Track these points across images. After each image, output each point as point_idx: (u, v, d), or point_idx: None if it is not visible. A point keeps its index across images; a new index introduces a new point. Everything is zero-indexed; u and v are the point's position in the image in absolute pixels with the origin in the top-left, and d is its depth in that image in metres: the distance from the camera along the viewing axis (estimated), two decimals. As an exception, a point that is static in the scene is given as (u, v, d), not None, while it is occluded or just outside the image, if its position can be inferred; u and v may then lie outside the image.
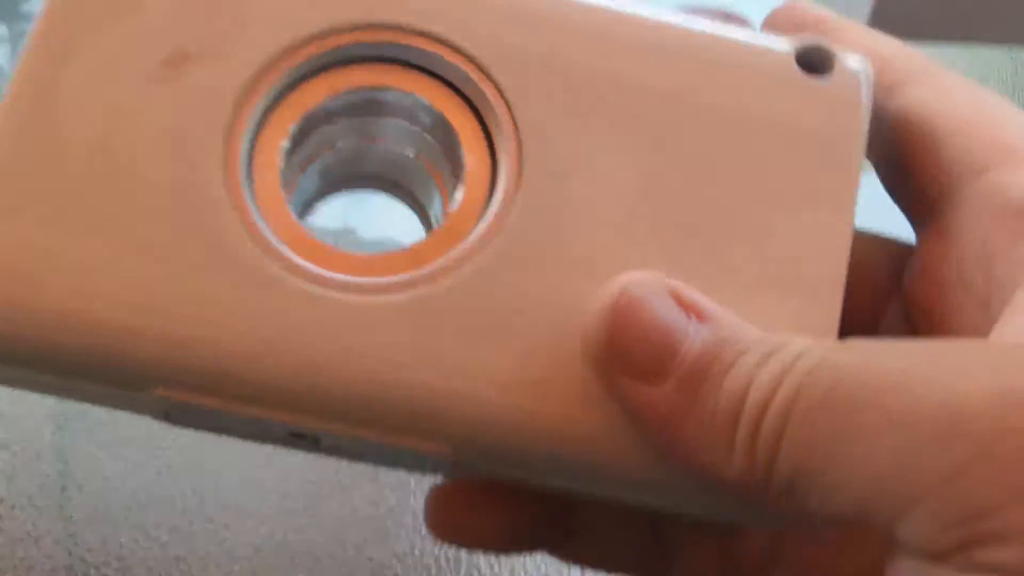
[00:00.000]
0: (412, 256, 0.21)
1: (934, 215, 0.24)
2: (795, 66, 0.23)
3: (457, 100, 0.22)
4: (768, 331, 0.20)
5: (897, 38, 0.78)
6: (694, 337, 0.19)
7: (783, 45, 0.23)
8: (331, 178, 0.25)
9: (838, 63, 0.23)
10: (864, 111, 0.23)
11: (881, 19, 0.77)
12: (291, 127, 0.22)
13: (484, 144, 0.22)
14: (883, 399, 0.17)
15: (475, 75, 0.22)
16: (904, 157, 0.24)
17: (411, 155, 0.24)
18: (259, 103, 0.21)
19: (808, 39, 0.23)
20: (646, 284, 0.20)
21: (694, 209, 0.22)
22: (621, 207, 0.21)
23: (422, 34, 0.22)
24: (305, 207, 0.25)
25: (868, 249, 0.26)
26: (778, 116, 0.22)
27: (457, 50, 0.22)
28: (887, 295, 0.26)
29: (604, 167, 0.22)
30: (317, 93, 0.22)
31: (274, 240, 0.21)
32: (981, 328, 0.21)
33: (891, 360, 0.18)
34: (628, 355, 0.19)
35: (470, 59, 0.22)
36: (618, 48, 0.22)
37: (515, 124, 0.21)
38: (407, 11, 0.22)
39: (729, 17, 0.24)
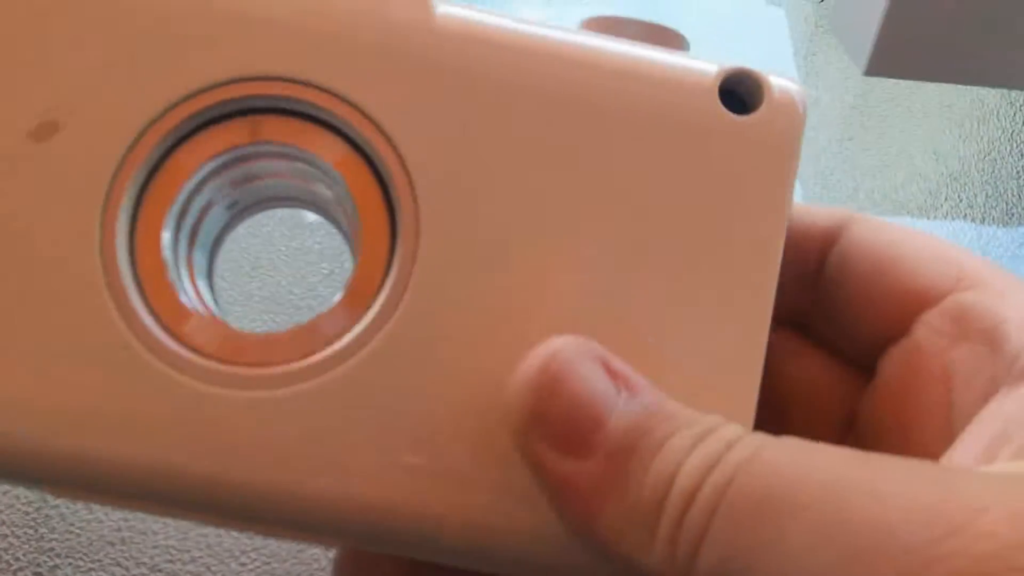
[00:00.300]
0: (308, 334, 0.19)
1: (892, 343, 0.23)
2: (718, 103, 0.20)
3: (354, 156, 0.20)
4: (688, 407, 0.19)
5: (898, 78, 0.78)
6: (623, 410, 0.18)
7: (708, 76, 0.21)
8: (239, 209, 0.23)
9: (767, 95, 0.20)
10: (794, 148, 0.20)
11: (880, 61, 0.77)
12: (177, 192, 0.20)
13: (383, 205, 0.20)
14: (814, 509, 0.16)
15: (366, 129, 0.20)
16: (853, 292, 0.23)
17: (314, 194, 0.23)
18: (137, 173, 0.19)
19: (733, 69, 0.21)
20: (575, 350, 0.19)
21: (609, 272, 0.20)
22: (531, 271, 0.20)
23: (311, 86, 0.20)
24: (216, 243, 0.23)
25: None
26: (696, 164, 0.20)
27: (346, 101, 0.20)
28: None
29: (510, 224, 0.20)
30: (203, 152, 0.20)
31: (154, 327, 0.19)
32: (939, 454, 0.20)
33: (827, 467, 0.17)
34: (552, 424, 0.18)
35: (358, 109, 0.20)
36: (520, 90, 0.20)
37: (410, 180, 0.20)
38: (298, 62, 0.20)
39: (661, 32, 0.22)
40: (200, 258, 0.22)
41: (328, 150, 0.20)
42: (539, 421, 0.18)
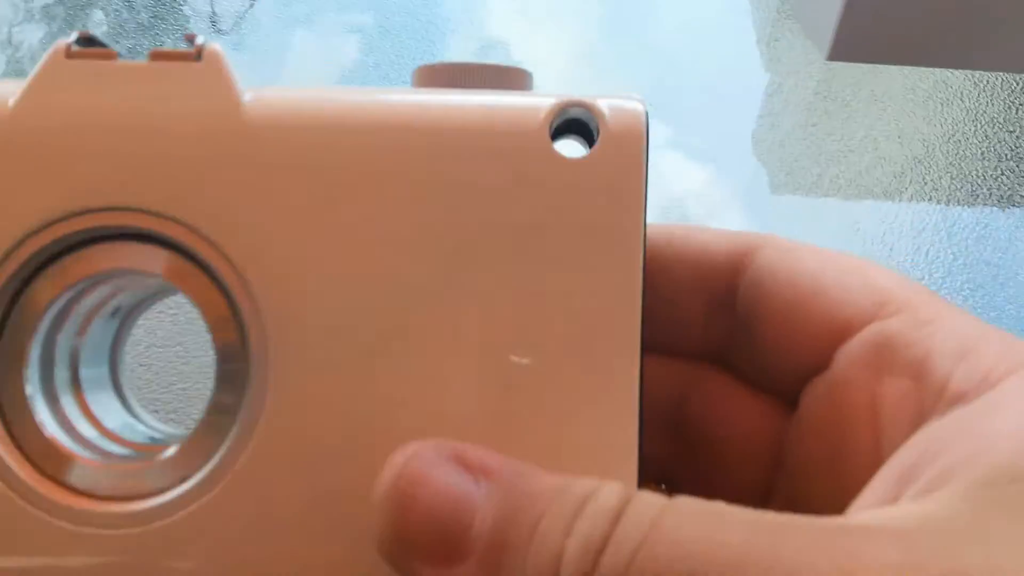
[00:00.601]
0: (171, 464, 0.19)
1: (815, 375, 0.22)
2: (549, 147, 0.19)
3: (189, 267, 0.20)
4: (564, 469, 0.18)
5: (862, 62, 0.78)
6: (485, 505, 0.17)
7: (537, 118, 0.19)
8: (126, 312, 0.22)
9: (602, 126, 0.19)
10: (637, 178, 0.19)
11: (845, 44, 0.77)
12: (33, 332, 0.19)
13: (232, 323, 0.19)
14: None
15: (199, 245, 0.19)
16: (770, 324, 0.22)
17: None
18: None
19: (561, 105, 0.19)
20: (425, 455, 0.18)
21: (462, 351, 0.19)
22: (385, 366, 0.19)
23: (135, 211, 0.19)
24: (116, 347, 0.22)
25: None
26: (537, 215, 0.19)
27: (170, 218, 0.19)
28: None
29: (356, 317, 0.19)
30: (47, 291, 0.20)
31: (20, 471, 0.19)
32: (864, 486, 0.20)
33: (729, 534, 0.16)
34: (417, 538, 0.17)
35: (183, 224, 0.19)
36: (341, 171, 0.19)
37: (248, 290, 0.19)
38: (142, 193, 0.19)
39: (501, 74, 0.21)
40: (94, 373, 0.21)
41: (159, 264, 0.19)
42: (403, 537, 0.17)
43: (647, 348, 0.19)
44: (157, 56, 0.19)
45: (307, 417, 0.19)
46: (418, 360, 0.19)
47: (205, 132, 0.19)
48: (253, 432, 0.19)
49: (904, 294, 0.20)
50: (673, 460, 0.24)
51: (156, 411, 0.52)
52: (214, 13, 0.85)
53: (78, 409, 0.21)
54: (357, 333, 0.19)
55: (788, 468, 0.23)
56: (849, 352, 0.20)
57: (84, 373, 0.21)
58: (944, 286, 0.62)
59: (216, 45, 0.19)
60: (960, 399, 0.18)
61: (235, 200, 0.19)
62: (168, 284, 0.20)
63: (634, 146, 0.19)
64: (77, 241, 0.19)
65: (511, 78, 0.21)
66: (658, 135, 0.71)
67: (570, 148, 0.20)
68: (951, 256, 0.64)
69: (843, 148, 0.71)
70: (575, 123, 0.19)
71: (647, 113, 0.19)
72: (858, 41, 0.76)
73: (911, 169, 0.70)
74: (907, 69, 0.79)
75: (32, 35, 0.80)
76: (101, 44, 0.19)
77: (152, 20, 0.83)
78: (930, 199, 0.68)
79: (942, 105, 0.76)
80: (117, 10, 0.83)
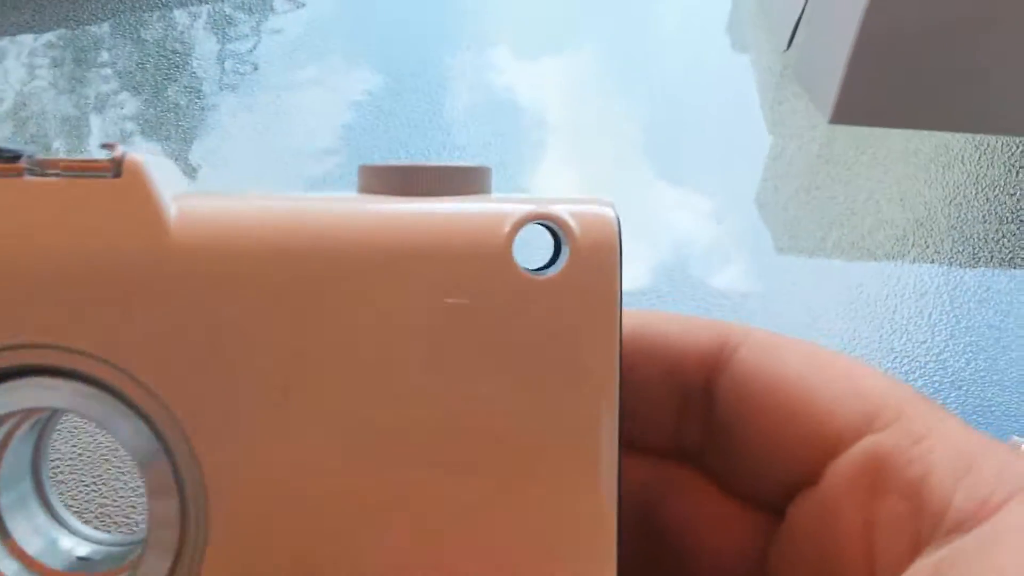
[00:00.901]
0: None
1: (802, 489, 0.20)
2: (513, 265, 0.18)
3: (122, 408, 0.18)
4: None
5: (864, 125, 0.78)
6: None
7: (499, 236, 0.18)
8: (42, 425, 0.21)
9: (571, 239, 0.18)
10: (611, 290, 0.18)
11: (847, 107, 0.78)
12: None
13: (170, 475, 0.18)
14: None
15: (123, 383, 0.18)
16: (752, 432, 0.21)
17: None
18: None
19: (525, 218, 0.18)
20: None
21: (427, 482, 0.18)
22: (339, 510, 0.18)
23: (54, 348, 0.17)
24: (36, 464, 0.21)
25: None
26: (503, 338, 0.18)
27: (94, 357, 0.18)
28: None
29: (301, 457, 0.18)
30: None
31: None
32: None
33: None
34: None
35: (107, 363, 0.18)
36: (278, 296, 0.18)
37: (184, 433, 0.17)
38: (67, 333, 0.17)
39: (456, 175, 0.19)
40: (14, 494, 0.20)
41: (87, 406, 0.18)
42: None
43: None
44: (71, 167, 0.17)
45: (253, 567, 0.17)
46: (374, 497, 0.17)
47: (129, 260, 0.17)
48: None
49: (896, 403, 0.19)
50: (643, 569, 0.23)
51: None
52: (223, 69, 0.86)
53: (10, 519, 0.20)
54: (303, 472, 0.17)
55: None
56: (841, 470, 0.19)
57: (4, 500, 0.20)
58: (947, 349, 0.62)
59: (137, 156, 0.17)
60: (959, 527, 0.17)
61: (164, 333, 0.17)
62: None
63: (606, 261, 0.18)
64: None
65: (468, 180, 0.19)
66: (663, 192, 0.72)
67: (535, 254, 0.19)
68: (954, 319, 0.64)
69: (846, 211, 0.71)
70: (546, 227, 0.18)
71: (619, 220, 0.18)
72: (860, 104, 0.77)
73: (913, 231, 0.70)
74: (909, 132, 0.80)
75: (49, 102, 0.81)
76: (9, 153, 0.17)
77: (160, 79, 0.84)
78: (932, 261, 0.68)
79: (943, 168, 0.77)
80: (127, 72, 0.84)
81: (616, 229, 0.18)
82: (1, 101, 0.73)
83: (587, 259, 0.17)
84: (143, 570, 0.17)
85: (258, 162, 0.76)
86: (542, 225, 0.18)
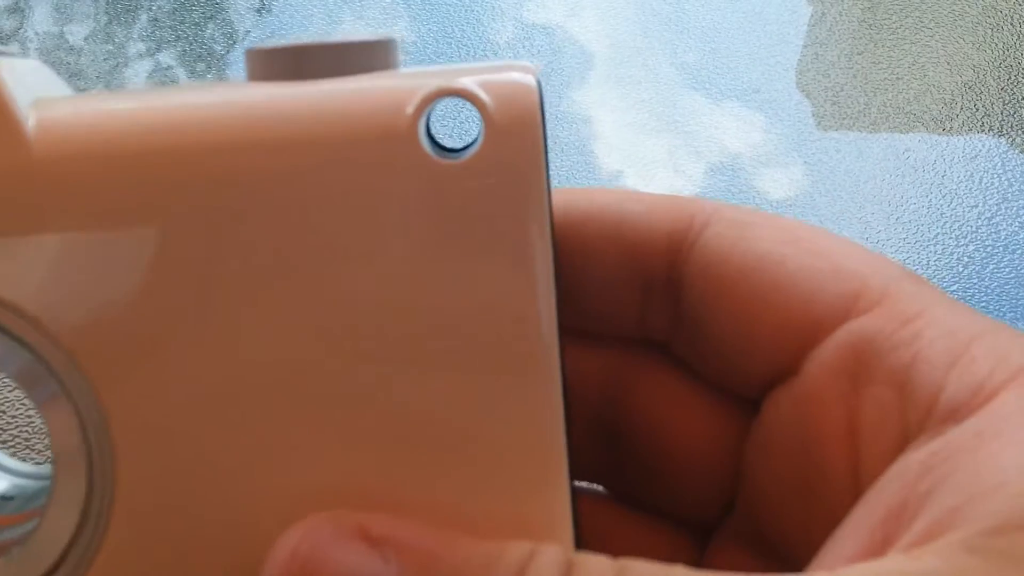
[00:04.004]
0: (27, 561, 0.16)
1: (779, 382, 0.18)
2: (420, 150, 0.16)
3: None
4: (483, 530, 0.15)
5: None
6: None
7: (402, 119, 0.16)
8: None
9: (488, 123, 0.16)
10: (533, 171, 0.16)
11: None
12: None
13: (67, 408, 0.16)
14: None
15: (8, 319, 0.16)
16: (723, 318, 0.19)
17: None
18: None
19: (430, 97, 0.16)
20: (321, 531, 0.15)
21: (348, 402, 0.16)
22: (256, 428, 0.16)
23: None
24: None
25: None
26: (416, 232, 0.16)
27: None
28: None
29: (212, 373, 0.16)
30: None
31: None
32: (841, 515, 0.17)
33: None
34: None
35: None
36: (154, 201, 0.16)
37: (71, 357, 0.16)
38: None
39: (358, 52, 0.17)
40: None
41: None
42: None
43: (572, 340, 0.17)
44: None
45: (165, 518, 0.16)
46: (292, 425, 0.16)
47: None
48: (106, 530, 0.16)
49: (882, 282, 0.17)
50: (610, 464, 0.21)
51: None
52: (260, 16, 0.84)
53: None
54: (212, 410, 0.16)
55: (750, 483, 0.20)
56: (822, 358, 0.17)
57: None
58: (999, 213, 0.60)
59: None
60: (952, 416, 0.15)
61: (37, 256, 0.15)
62: None
63: (527, 136, 0.16)
64: None
65: (368, 56, 0.16)
66: (695, 72, 0.70)
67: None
68: (1005, 182, 0.62)
69: (891, 76, 0.69)
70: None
71: (540, 86, 0.16)
72: None
73: (962, 96, 0.68)
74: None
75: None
76: None
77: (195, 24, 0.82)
78: (982, 125, 0.66)
79: (992, 30, 0.73)
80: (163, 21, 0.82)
81: (537, 99, 0.16)
82: (28, 53, 0.72)
83: (504, 136, 0.16)
84: (48, 525, 0.16)
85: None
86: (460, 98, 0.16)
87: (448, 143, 0.16)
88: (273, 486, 0.16)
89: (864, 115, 0.66)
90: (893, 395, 0.16)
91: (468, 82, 0.16)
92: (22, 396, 0.42)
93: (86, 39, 0.72)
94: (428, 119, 0.16)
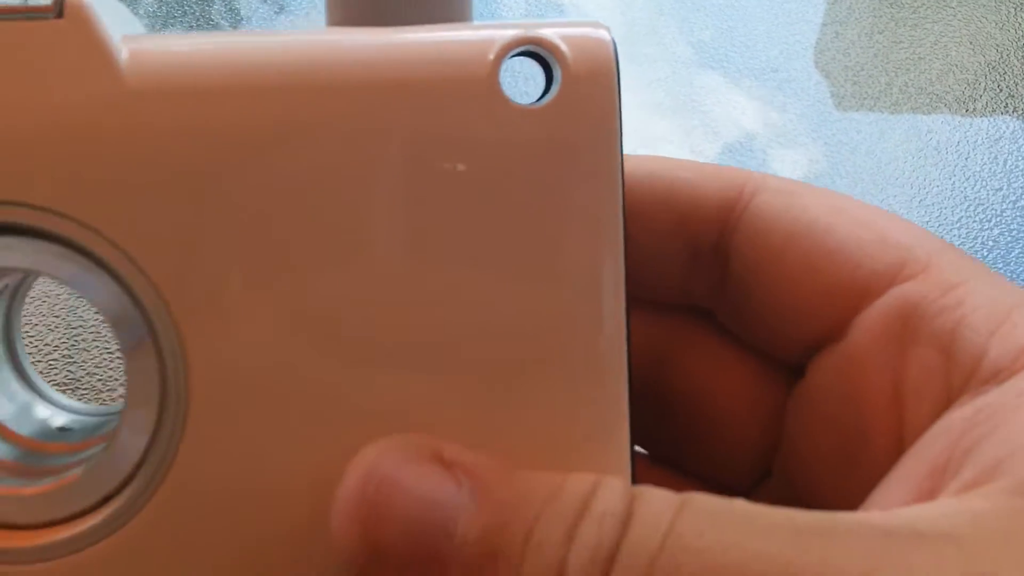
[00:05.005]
0: (84, 486, 0.16)
1: (825, 346, 0.19)
2: (500, 96, 0.16)
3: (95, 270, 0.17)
4: (553, 467, 0.15)
5: None
6: (469, 509, 0.15)
7: (483, 65, 0.16)
8: (12, 289, 0.20)
9: (565, 71, 0.16)
10: (609, 119, 0.16)
11: None
12: None
13: (144, 331, 0.16)
14: None
15: (95, 244, 0.16)
16: (772, 284, 0.19)
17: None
18: None
19: (511, 44, 0.16)
20: (396, 454, 0.15)
21: (423, 339, 0.16)
22: (333, 360, 0.16)
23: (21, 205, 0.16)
24: (8, 326, 0.20)
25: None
26: (493, 182, 0.16)
27: (59, 214, 0.16)
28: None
29: (289, 312, 0.16)
30: None
31: None
32: (880, 479, 0.17)
33: (764, 541, 0.13)
34: (392, 553, 0.15)
35: (75, 221, 0.16)
36: (248, 142, 0.16)
37: (160, 293, 0.16)
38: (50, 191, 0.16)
39: (438, 3, 0.17)
40: None
41: (59, 267, 0.16)
42: (375, 549, 0.15)
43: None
44: (8, 12, 0.15)
45: (237, 443, 0.16)
46: (369, 362, 0.16)
47: (80, 106, 0.16)
48: (172, 461, 0.16)
49: (926, 252, 0.18)
50: (650, 427, 0.21)
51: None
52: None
53: None
54: (291, 341, 0.16)
55: (788, 452, 0.20)
56: (868, 322, 0.18)
57: None
58: (1024, 196, 0.58)
59: None
60: (994, 378, 0.16)
61: (129, 185, 0.16)
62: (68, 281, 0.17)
63: (603, 86, 0.16)
64: None
65: (445, 6, 0.17)
66: (710, 52, 0.68)
67: (524, 82, 0.17)
68: (1030, 164, 0.60)
69: (912, 55, 0.67)
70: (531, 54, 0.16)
71: (615, 44, 0.16)
72: None
73: (985, 76, 0.66)
74: None
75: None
76: None
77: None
78: (1006, 106, 0.64)
79: (1016, 8, 0.72)
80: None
81: (612, 52, 0.16)
82: None
83: (582, 86, 0.16)
84: (120, 441, 0.16)
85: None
86: (531, 55, 0.16)
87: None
88: (341, 436, 0.16)
89: (885, 95, 0.64)
90: (938, 357, 0.17)
91: (547, 32, 0.16)
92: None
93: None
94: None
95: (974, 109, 0.64)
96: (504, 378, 0.16)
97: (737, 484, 0.21)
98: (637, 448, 0.20)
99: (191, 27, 0.70)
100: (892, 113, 0.63)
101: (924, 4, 0.71)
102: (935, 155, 0.60)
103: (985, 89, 0.65)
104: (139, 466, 0.16)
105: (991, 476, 0.14)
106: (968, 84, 0.65)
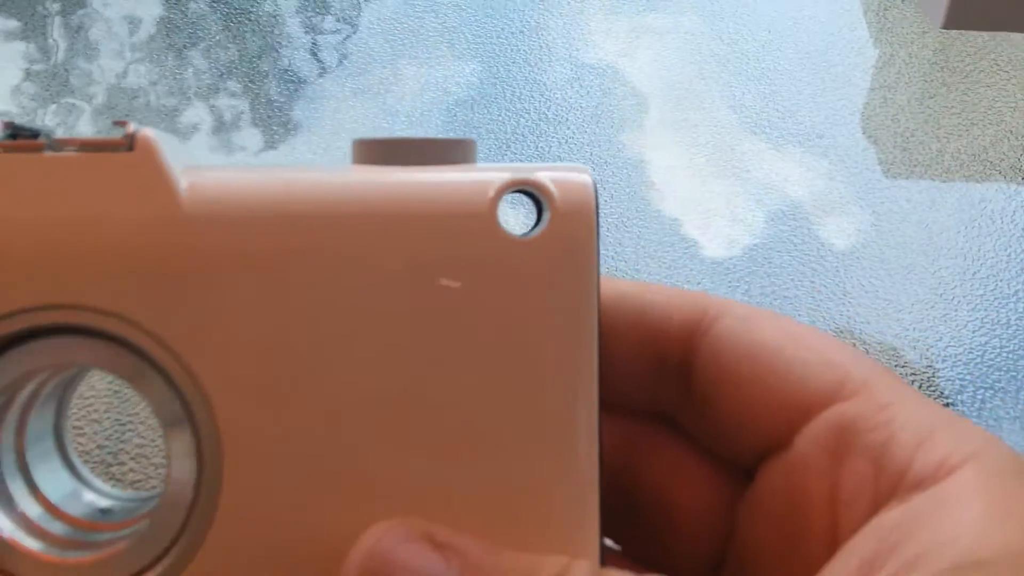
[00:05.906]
0: (118, 559, 0.19)
1: (773, 453, 0.21)
2: (496, 228, 0.19)
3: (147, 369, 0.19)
4: (531, 547, 0.18)
5: (980, 30, 0.72)
6: None
7: (483, 200, 0.19)
8: (64, 386, 0.22)
9: (551, 204, 0.19)
10: (587, 254, 0.19)
11: (959, 12, 0.71)
12: None
13: (185, 421, 0.19)
14: None
15: (148, 344, 0.19)
16: (729, 398, 0.22)
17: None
18: None
19: (509, 183, 0.19)
20: (394, 534, 0.18)
21: (414, 438, 0.19)
22: (340, 460, 0.19)
23: (82, 308, 0.19)
24: (58, 423, 0.22)
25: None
26: (485, 299, 0.19)
27: (118, 317, 0.19)
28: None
29: (309, 413, 0.19)
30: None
31: None
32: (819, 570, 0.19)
33: None
34: None
35: (131, 323, 0.19)
36: (286, 264, 0.19)
37: (205, 395, 0.19)
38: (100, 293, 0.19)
39: (443, 148, 0.20)
40: (35, 451, 0.21)
41: (109, 361, 0.19)
42: None
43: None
44: (87, 145, 0.18)
45: (262, 518, 0.19)
46: (374, 455, 0.19)
47: (143, 226, 0.18)
48: (207, 534, 0.18)
49: (862, 374, 0.20)
50: (616, 522, 0.24)
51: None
52: (315, 44, 0.83)
53: (25, 488, 0.20)
54: (310, 429, 0.19)
55: (739, 546, 0.23)
56: (811, 435, 0.20)
57: (30, 454, 0.20)
58: (1085, 268, 0.56)
59: (149, 131, 0.18)
60: (917, 487, 0.18)
61: (181, 295, 0.18)
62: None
63: (584, 224, 0.19)
64: (13, 339, 0.19)
65: (453, 151, 0.20)
66: (757, 118, 0.66)
67: (516, 217, 0.20)
68: (1091, 235, 0.58)
69: (964, 121, 0.65)
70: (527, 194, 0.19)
71: (595, 185, 0.19)
72: (975, 7, 0.71)
73: (1041, 142, 0.64)
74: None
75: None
76: (28, 132, 0.19)
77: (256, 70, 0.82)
78: (1064, 174, 0.62)
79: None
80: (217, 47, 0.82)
81: (592, 194, 0.19)
82: (93, 96, 0.71)
83: (567, 222, 0.19)
84: (157, 521, 0.18)
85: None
86: (524, 193, 0.19)
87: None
88: (351, 511, 0.19)
89: (936, 162, 0.62)
90: (869, 467, 0.19)
91: (539, 175, 0.19)
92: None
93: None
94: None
95: (1030, 177, 0.62)
96: (492, 466, 0.19)
97: (694, 573, 0.24)
98: (607, 541, 0.22)
99: (245, 90, 0.70)
100: (943, 181, 0.61)
101: (977, 68, 0.69)
102: (989, 225, 0.58)
103: (1041, 156, 0.63)
104: (176, 540, 0.18)
105: (911, 569, 0.17)
106: (1023, 150, 0.63)
